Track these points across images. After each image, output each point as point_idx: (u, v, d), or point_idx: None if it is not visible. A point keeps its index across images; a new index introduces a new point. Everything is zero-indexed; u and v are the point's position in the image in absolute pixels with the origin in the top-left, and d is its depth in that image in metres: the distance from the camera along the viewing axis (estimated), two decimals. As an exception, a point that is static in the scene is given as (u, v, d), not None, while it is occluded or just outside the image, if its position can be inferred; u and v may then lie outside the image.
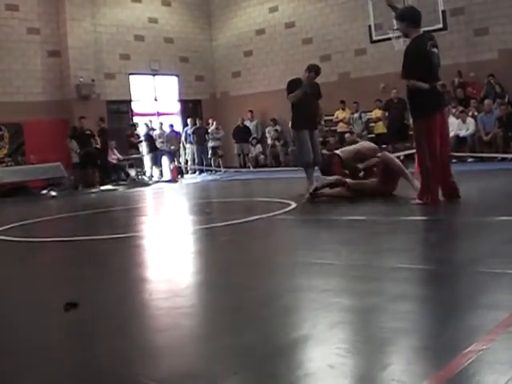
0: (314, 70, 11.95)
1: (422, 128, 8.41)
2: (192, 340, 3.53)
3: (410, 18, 8.77)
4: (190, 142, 24.57)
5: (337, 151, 11.08)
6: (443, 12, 16.95)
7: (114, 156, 21.76)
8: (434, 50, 8.48)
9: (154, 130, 24.08)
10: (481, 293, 3.91)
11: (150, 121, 24.42)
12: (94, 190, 19.22)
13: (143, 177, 22.92)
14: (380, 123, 21.11)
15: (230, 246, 6.88)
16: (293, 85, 11.96)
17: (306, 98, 11.73)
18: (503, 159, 15.76)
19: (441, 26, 17.03)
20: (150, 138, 23.41)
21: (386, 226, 7.39)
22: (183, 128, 25.28)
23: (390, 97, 19.87)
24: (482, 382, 2.50)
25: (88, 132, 20.54)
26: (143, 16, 24.95)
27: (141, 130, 23.61)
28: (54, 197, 18.08)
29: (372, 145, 11.49)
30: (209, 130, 24.60)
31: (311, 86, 11.92)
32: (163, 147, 23.53)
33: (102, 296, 4.74)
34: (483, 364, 2.68)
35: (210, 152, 24.58)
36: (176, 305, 4.23)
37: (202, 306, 4.34)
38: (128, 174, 22.29)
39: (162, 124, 24.46)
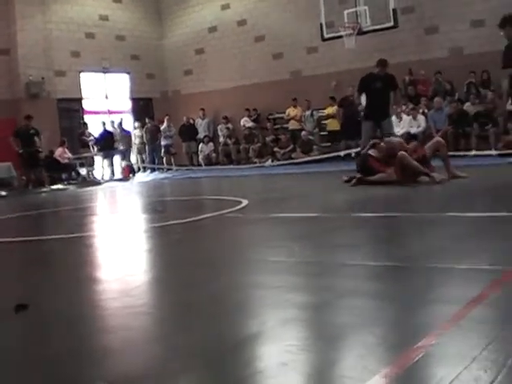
0: (379, 64, 12.93)
1: None
2: (143, 340, 3.48)
3: (509, 22, 9.54)
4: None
5: (369, 152, 11.47)
6: (394, 10, 17.12)
7: (66, 155, 21.54)
8: None
9: (114, 128, 23.95)
10: (431, 288, 3.92)
11: (113, 121, 24.32)
12: (44, 190, 19.02)
13: (94, 176, 22.74)
14: (332, 120, 21.21)
15: (182, 244, 6.83)
16: (360, 83, 13.18)
17: (374, 91, 12.75)
18: (453, 155, 15.91)
19: (392, 23, 17.22)
20: (109, 137, 23.16)
21: (338, 222, 7.42)
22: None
23: (346, 94, 19.94)
24: (432, 376, 2.50)
25: (32, 131, 20.13)
26: (94, 13, 24.79)
27: (96, 129, 23.42)
28: (3, 197, 17.84)
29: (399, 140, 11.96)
30: (161, 129, 24.50)
31: (383, 78, 12.79)
32: (115, 145, 23.39)
33: (53, 296, 4.66)
34: (433, 358, 2.69)
35: (163, 150, 24.53)
36: (127, 304, 4.17)
37: (153, 305, 4.29)
38: (79, 173, 22.10)
39: (113, 122, 24.31)
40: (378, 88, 12.68)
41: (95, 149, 22.99)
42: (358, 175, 11.22)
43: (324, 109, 21.77)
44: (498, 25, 9.46)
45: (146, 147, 24.51)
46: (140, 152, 25.01)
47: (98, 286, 5.01)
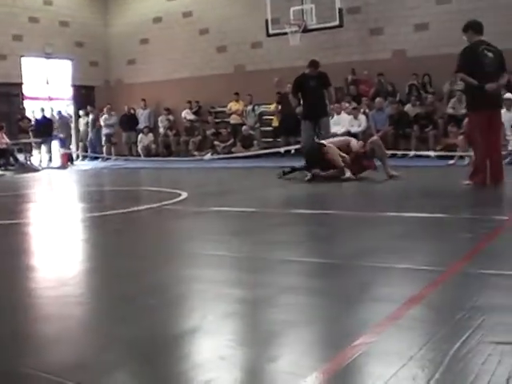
0: (311, 65, 13.12)
1: (471, 121, 9.90)
2: (80, 330, 3.44)
3: (471, 27, 9.71)
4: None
5: (324, 142, 11.76)
6: (340, 10, 17.25)
7: (3, 140, 21.19)
8: (489, 53, 9.46)
9: (53, 115, 23.65)
10: (369, 286, 3.96)
11: (52, 108, 23.99)
12: (-20, 175, 18.70)
13: (32, 162, 22.40)
14: (276, 116, 21.29)
15: (120, 234, 6.78)
16: (294, 83, 13.45)
17: (308, 90, 12.90)
18: (393, 155, 16.08)
19: (337, 23, 17.34)
20: (48, 123, 22.80)
21: (277, 218, 7.45)
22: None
23: (285, 90, 19.96)
24: (371, 374, 2.52)
25: None
26: (38, -3, 24.35)
27: (35, 115, 23.08)
28: None
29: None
30: (102, 117, 24.27)
31: (316, 77, 12.98)
32: (54, 133, 23.08)
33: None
34: (372, 356, 2.71)
35: (103, 139, 24.30)
36: (64, 293, 4.11)
37: (91, 296, 4.24)
38: (17, 159, 21.74)
39: (52, 109, 23.99)
40: (313, 86, 12.85)
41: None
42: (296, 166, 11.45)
43: (268, 104, 21.79)
44: (462, 29, 9.74)
45: (89, 135, 24.30)
46: (82, 140, 24.76)
47: (35, 274, 4.92)
